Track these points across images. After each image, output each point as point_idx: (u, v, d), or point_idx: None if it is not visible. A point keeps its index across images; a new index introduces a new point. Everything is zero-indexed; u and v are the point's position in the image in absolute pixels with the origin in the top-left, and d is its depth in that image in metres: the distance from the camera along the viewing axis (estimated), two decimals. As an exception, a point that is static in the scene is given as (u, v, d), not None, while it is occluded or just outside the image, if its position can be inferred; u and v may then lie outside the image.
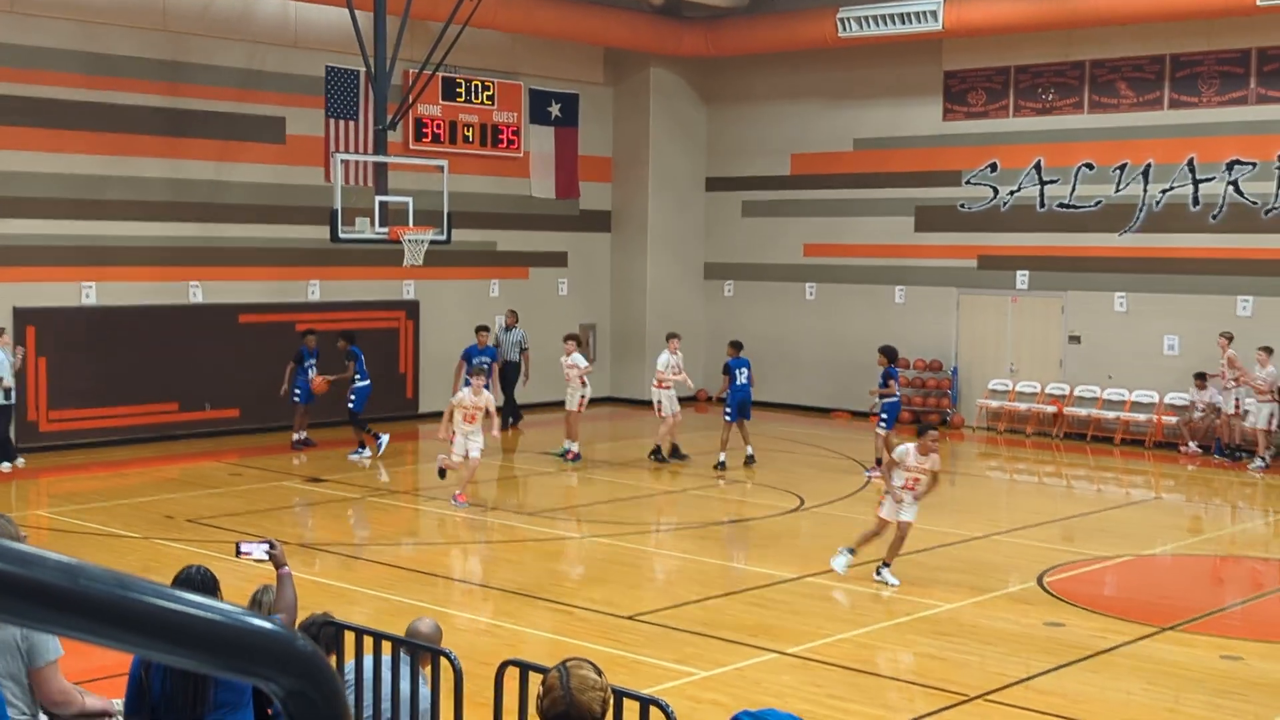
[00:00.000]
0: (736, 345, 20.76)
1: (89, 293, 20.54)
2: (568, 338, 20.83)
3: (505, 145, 25.66)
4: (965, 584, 12.98)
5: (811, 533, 15.85)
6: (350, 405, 20.26)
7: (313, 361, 20.59)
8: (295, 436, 20.67)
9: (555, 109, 26.58)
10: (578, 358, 20.21)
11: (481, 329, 21.93)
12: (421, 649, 6.38)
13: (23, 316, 19.78)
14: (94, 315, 20.56)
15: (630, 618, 11.48)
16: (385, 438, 20.23)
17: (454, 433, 16.27)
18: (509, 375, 23.45)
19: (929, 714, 9.15)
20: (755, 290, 27.50)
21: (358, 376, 20.27)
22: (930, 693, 9.60)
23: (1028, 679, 10.00)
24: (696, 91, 27.86)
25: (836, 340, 25.98)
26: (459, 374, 20.98)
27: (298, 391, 20.57)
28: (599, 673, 4.51)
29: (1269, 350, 20.45)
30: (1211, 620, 11.94)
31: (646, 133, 27.26)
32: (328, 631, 6.45)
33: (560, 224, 26.89)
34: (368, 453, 20.13)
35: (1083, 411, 23.37)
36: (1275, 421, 20.52)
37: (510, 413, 23.52)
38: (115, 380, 20.64)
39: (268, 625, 1.38)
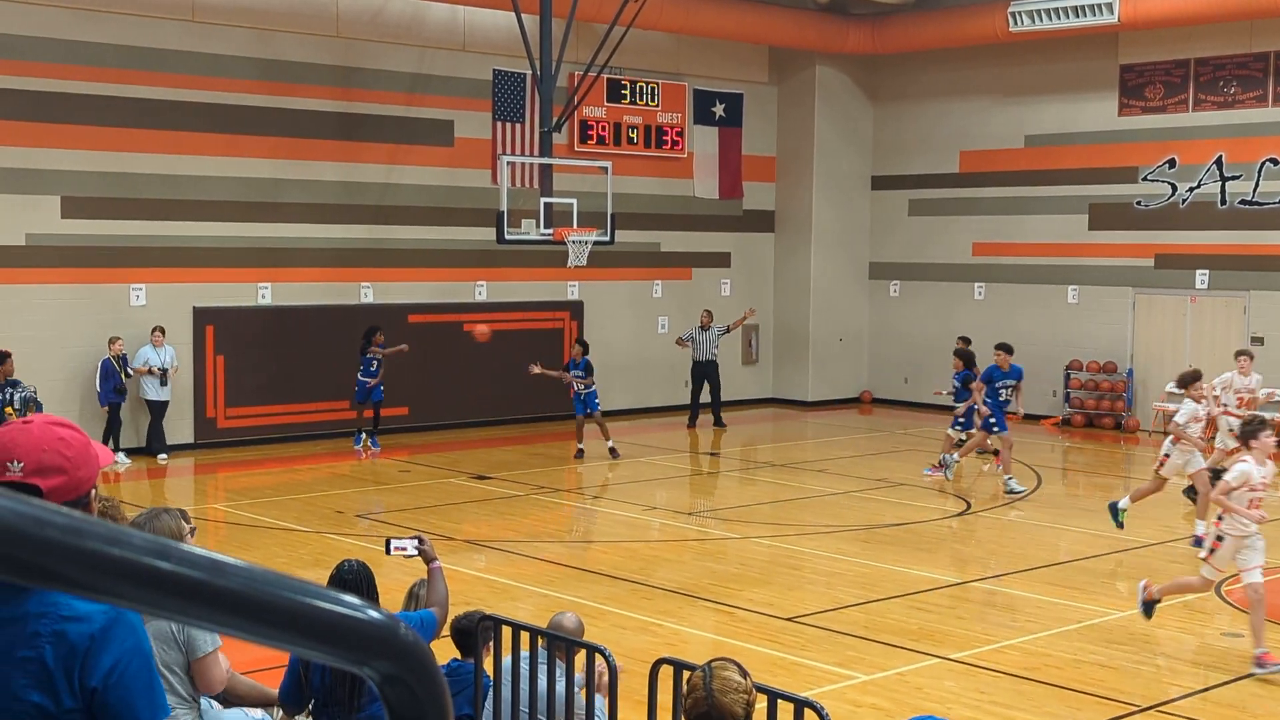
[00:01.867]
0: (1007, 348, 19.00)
1: (265, 293, 21.16)
2: (1188, 381, 15.00)
3: (669, 146, 25.71)
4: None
5: (977, 537, 15.52)
6: (362, 398, 20.29)
7: (579, 372, 20.30)
8: (579, 447, 20.37)
9: (719, 109, 26.53)
10: (1194, 407, 14.72)
11: (1002, 348, 18.33)
12: (577, 645, 6.38)
13: (202, 316, 20.46)
14: (269, 315, 21.16)
15: (791, 619, 11.37)
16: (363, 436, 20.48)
17: (1217, 539, 10.46)
18: (710, 374, 23.60)
19: (1099, 725, 8.86)
20: (922, 290, 27.07)
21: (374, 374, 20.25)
22: (1100, 702, 9.30)
23: (1203, 690, 9.63)
24: (862, 89, 27.54)
25: (1006, 341, 25.35)
26: (978, 397, 17.85)
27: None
28: (744, 674, 4.44)
29: None
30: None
31: (811, 132, 27.03)
32: (485, 626, 6.50)
33: (723, 224, 26.83)
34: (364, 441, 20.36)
35: (1267, 415, 22.41)
36: None
37: (715, 414, 23.77)
38: (289, 378, 21.22)
39: (370, 613, 1.37)
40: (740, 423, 24.56)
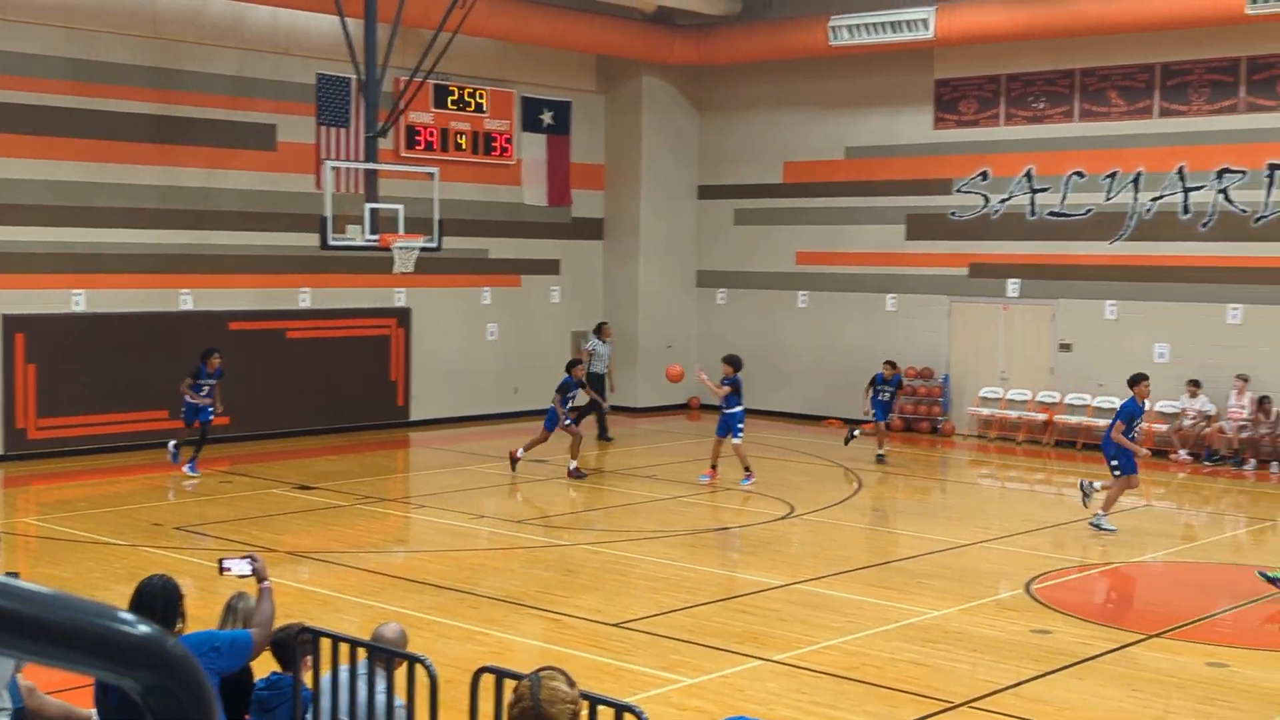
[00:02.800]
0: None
1: (79, 300, 20.51)
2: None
3: (497, 153, 25.65)
4: (954, 591, 12.96)
5: (801, 540, 15.83)
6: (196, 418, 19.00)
7: (574, 394, 19.50)
8: (571, 465, 19.33)
9: (547, 116, 26.57)
10: None
11: (1140, 379, 16.38)
12: (397, 656, 6.35)
13: (13, 324, 19.75)
14: (84, 322, 20.53)
15: (617, 625, 11.46)
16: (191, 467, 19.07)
17: None
18: (599, 387, 23.24)
19: (914, 721, 9.13)
20: (748, 298, 27.50)
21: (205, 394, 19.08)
22: (916, 700, 9.58)
23: (1014, 686, 9.98)
24: (689, 99, 27.87)
25: (828, 348, 25.97)
26: (1119, 435, 15.84)
27: (568, 420, 19.39)
28: (571, 684, 4.48)
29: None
30: (1199, 627, 11.92)
31: (639, 140, 27.26)
32: (303, 639, 6.43)
33: (552, 231, 26.87)
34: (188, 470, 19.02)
35: (1074, 419, 23.37)
36: None
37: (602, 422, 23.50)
38: (105, 387, 20.59)
39: (138, 627, 1.37)
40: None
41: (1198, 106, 22.16)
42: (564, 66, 26.51)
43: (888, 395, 21.83)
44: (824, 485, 19.27)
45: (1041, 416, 23.72)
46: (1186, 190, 22.29)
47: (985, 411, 24.52)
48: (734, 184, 27.58)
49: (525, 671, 4.83)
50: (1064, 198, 23.53)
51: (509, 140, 25.83)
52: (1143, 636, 11.45)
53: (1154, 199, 22.60)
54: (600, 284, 27.83)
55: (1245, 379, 21.52)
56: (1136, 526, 17.02)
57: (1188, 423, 21.99)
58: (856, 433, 21.86)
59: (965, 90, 24.55)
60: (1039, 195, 23.81)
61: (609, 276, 27.82)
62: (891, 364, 22.13)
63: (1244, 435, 21.44)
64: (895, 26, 23.26)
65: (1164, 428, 22.33)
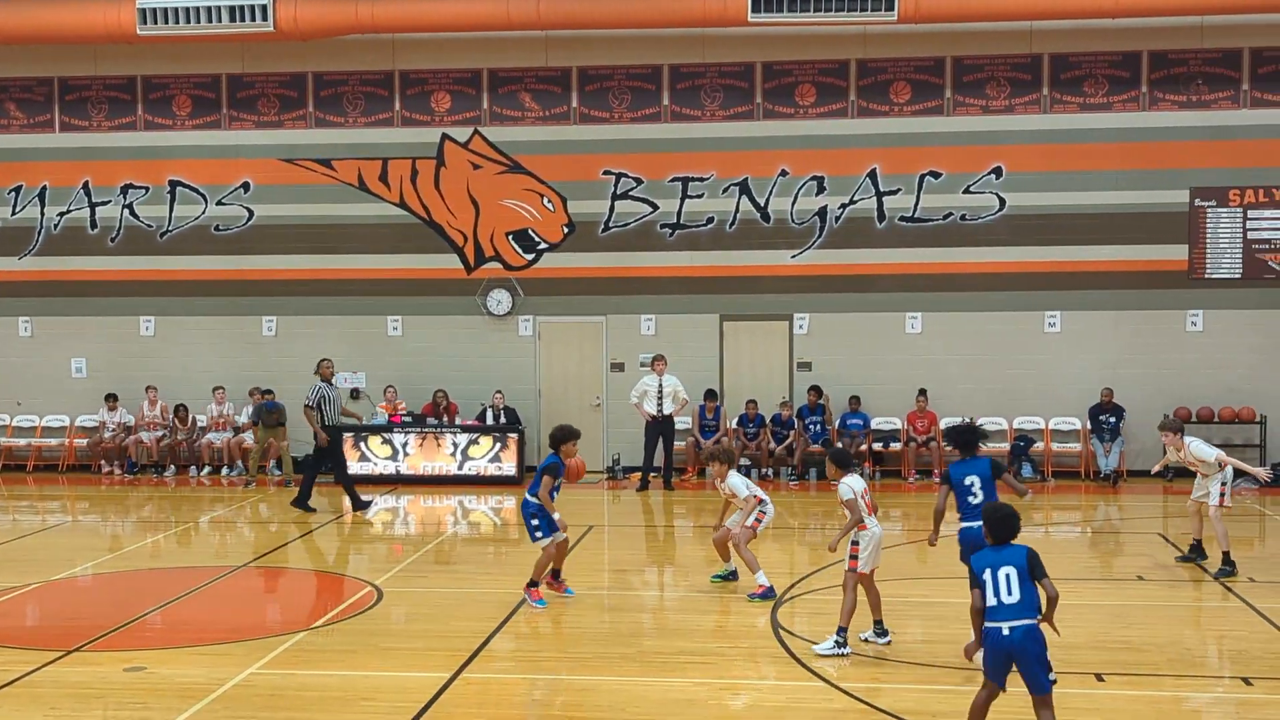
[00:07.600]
0: None
1: None
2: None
3: None
4: None
5: None
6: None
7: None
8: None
9: None
10: (735, 481, 13.11)
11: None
12: None
13: None
14: None
15: None
16: None
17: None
18: None
19: None
20: None
21: None
22: None
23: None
24: None
25: None
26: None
27: None
28: None
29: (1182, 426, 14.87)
30: (120, 634, 12.18)
31: None
32: None
33: None
34: None
35: (-3, 441, 22.73)
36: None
37: None
38: None
39: None
40: None
41: (98, 123, 22.53)
42: None
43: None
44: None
45: (-41, 441, 22.71)
46: (94, 205, 22.61)
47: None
48: None
49: None
50: None
51: None
52: (62, 653, 11.45)
53: (61, 214, 22.67)
54: None
55: (154, 389, 22.22)
56: (62, 543, 16.96)
57: (107, 434, 22.29)
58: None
59: None
60: None
61: None
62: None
63: (164, 443, 22.21)
64: None
65: (84, 442, 22.46)
